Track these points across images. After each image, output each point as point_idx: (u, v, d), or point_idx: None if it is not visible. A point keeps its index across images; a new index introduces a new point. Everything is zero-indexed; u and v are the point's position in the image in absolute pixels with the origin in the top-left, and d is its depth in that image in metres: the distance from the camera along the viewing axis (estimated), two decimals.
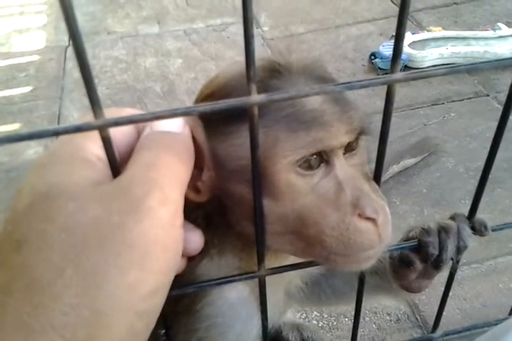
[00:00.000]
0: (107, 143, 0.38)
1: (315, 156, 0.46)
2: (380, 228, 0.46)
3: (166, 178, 0.39)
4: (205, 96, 0.51)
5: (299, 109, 0.45)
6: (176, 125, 0.44)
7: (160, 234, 0.37)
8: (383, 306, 1.23)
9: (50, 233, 0.36)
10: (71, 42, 0.34)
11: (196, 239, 0.47)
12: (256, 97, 0.38)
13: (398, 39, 0.40)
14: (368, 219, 0.45)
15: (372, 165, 0.50)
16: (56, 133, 0.36)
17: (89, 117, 0.36)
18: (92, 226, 0.36)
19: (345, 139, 0.47)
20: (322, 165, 0.47)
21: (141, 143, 0.43)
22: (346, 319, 1.21)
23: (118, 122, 0.37)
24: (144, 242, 0.36)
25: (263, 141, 0.43)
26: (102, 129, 0.37)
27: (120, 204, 0.37)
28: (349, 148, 0.49)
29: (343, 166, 0.47)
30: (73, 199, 0.37)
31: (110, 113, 0.38)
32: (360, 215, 0.45)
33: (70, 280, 0.35)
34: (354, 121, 0.47)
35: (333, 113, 0.46)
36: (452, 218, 0.60)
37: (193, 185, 0.46)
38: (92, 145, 0.41)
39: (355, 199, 0.46)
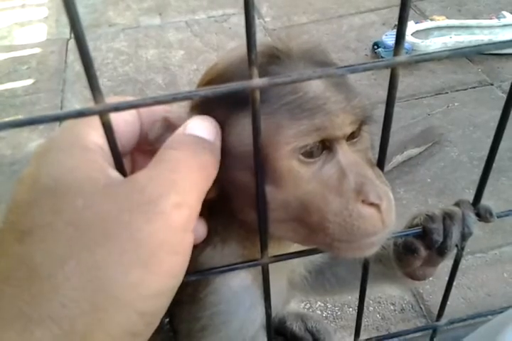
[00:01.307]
0: (107, 128, 0.38)
1: (317, 143, 0.46)
2: (384, 214, 0.45)
3: (186, 183, 0.39)
4: (206, 83, 0.50)
5: (301, 96, 0.45)
6: (210, 132, 0.44)
7: (169, 237, 0.37)
8: (387, 296, 1.23)
9: (56, 226, 0.36)
10: (72, 30, 0.33)
11: (199, 228, 0.46)
12: (258, 81, 0.38)
13: (401, 22, 0.39)
14: (372, 205, 0.45)
15: (376, 152, 0.50)
16: (57, 119, 0.36)
17: (90, 104, 0.36)
18: (100, 222, 0.36)
19: (348, 129, 0.47)
20: (324, 151, 0.47)
21: (170, 141, 0.42)
22: (350, 309, 1.21)
23: (119, 107, 0.36)
24: (152, 243, 0.36)
25: (265, 128, 0.42)
26: (103, 114, 0.37)
27: (132, 203, 0.36)
28: (352, 136, 0.48)
29: (345, 153, 0.47)
30: (82, 195, 0.36)
31: (111, 100, 0.38)
32: (363, 201, 0.45)
33: (72, 273, 0.34)
34: (358, 111, 0.47)
35: (336, 101, 0.45)
36: (457, 204, 0.60)
37: None
38: (94, 133, 0.41)
39: (358, 186, 0.45)
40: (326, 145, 0.47)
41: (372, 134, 0.52)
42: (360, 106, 0.47)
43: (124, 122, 0.45)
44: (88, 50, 0.35)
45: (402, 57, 0.40)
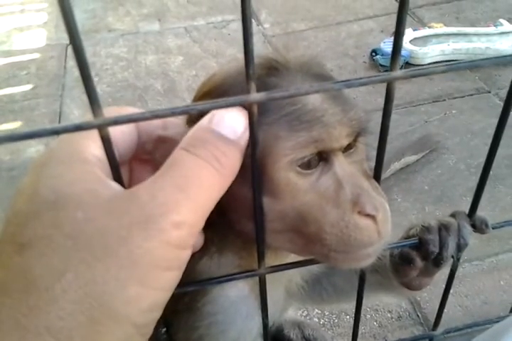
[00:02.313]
0: (106, 142, 0.38)
1: (314, 155, 0.46)
2: (380, 225, 0.46)
3: (192, 202, 0.38)
4: (203, 94, 0.51)
5: (300, 108, 0.45)
6: (236, 130, 0.40)
7: (167, 254, 0.37)
8: (384, 304, 1.23)
9: (55, 238, 0.36)
10: (70, 42, 0.34)
11: (197, 239, 0.47)
12: (255, 95, 0.38)
13: (397, 37, 0.40)
14: (368, 216, 0.45)
15: (373, 163, 0.50)
16: (55, 133, 0.36)
17: (89, 116, 0.36)
18: (99, 236, 0.36)
19: (345, 141, 0.47)
20: (321, 163, 0.47)
21: (189, 139, 0.40)
22: (348, 316, 1.21)
23: (117, 121, 0.37)
24: (149, 260, 0.36)
25: (263, 139, 0.43)
26: (102, 128, 0.37)
27: (132, 219, 0.36)
28: (348, 147, 0.49)
29: (342, 164, 0.47)
30: (82, 208, 0.37)
31: (110, 112, 0.38)
32: (359, 212, 0.45)
33: (69, 286, 0.35)
34: (355, 123, 0.47)
35: (334, 113, 0.46)
36: (453, 215, 0.60)
37: None
38: (92, 145, 0.41)
39: (354, 197, 0.46)
40: (323, 157, 0.47)
41: (368, 145, 0.52)
42: (357, 118, 0.47)
43: (121, 132, 0.45)
44: (87, 62, 0.35)
45: (398, 73, 0.40)
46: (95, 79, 2.14)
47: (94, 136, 0.38)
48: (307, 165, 0.46)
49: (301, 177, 0.46)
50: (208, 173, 0.39)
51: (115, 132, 0.40)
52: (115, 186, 0.39)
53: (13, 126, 1.93)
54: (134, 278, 0.36)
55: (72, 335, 0.34)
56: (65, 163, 0.40)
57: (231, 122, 0.41)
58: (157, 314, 0.39)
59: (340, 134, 0.46)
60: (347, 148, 0.49)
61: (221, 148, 0.40)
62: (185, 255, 0.39)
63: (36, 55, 2.34)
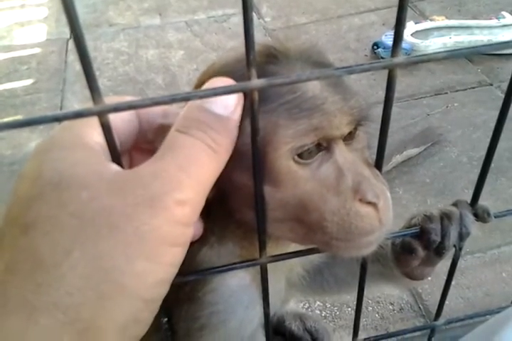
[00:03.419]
0: (106, 129, 0.38)
1: (315, 143, 0.46)
2: (381, 212, 0.46)
3: (193, 181, 0.39)
4: (203, 83, 0.51)
5: (300, 96, 0.45)
6: (227, 105, 0.41)
7: (172, 231, 0.38)
8: (386, 295, 1.23)
9: (60, 218, 0.36)
10: (71, 31, 0.34)
11: (196, 226, 0.47)
12: (256, 82, 0.38)
13: (399, 23, 0.39)
14: (369, 203, 0.45)
15: (374, 152, 0.50)
16: (56, 119, 0.36)
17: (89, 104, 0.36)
18: (105, 215, 0.36)
19: (346, 129, 0.47)
20: (322, 151, 0.47)
21: (182, 120, 0.41)
22: (349, 308, 1.22)
23: (117, 108, 0.37)
24: (155, 236, 0.37)
25: (263, 127, 0.43)
26: (101, 115, 0.37)
27: (136, 198, 0.37)
28: (349, 136, 0.49)
29: (342, 152, 0.47)
30: (87, 189, 0.37)
31: (110, 101, 0.38)
32: (360, 200, 0.45)
33: (76, 262, 0.35)
34: (355, 111, 0.47)
35: (334, 101, 0.46)
36: (455, 205, 0.60)
37: None
38: (93, 132, 0.41)
39: (355, 184, 0.46)
40: (324, 145, 0.47)
41: (369, 134, 0.52)
42: (357, 107, 0.47)
43: (121, 120, 0.45)
44: (87, 50, 0.35)
45: (400, 59, 0.40)
46: (96, 73, 2.13)
47: (95, 123, 0.38)
48: (308, 153, 0.46)
49: (302, 166, 0.46)
50: (205, 153, 0.40)
51: (115, 120, 0.41)
52: (117, 168, 0.40)
53: None
54: (141, 254, 0.36)
55: (81, 310, 0.35)
56: (67, 148, 0.40)
57: (222, 98, 0.41)
58: (164, 290, 0.40)
59: (340, 122, 0.46)
60: (348, 137, 0.48)
61: (214, 126, 0.40)
62: (189, 232, 0.40)
63: (37, 50, 2.34)
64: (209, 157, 0.40)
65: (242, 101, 0.42)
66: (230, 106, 0.41)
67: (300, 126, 0.44)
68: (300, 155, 0.45)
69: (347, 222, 0.45)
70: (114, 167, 0.40)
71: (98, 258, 0.35)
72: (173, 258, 0.39)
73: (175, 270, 0.40)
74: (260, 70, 0.39)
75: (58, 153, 0.40)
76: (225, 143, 0.41)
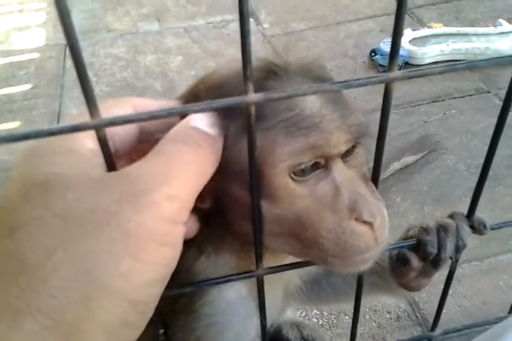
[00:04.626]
0: (103, 142, 0.38)
1: (312, 161, 0.46)
2: (377, 231, 0.46)
3: (181, 176, 0.39)
4: (198, 91, 0.50)
5: (297, 113, 0.45)
6: (214, 127, 0.44)
7: (159, 227, 0.37)
8: (383, 304, 1.22)
9: (45, 219, 0.36)
10: (67, 44, 0.34)
11: (191, 223, 0.47)
12: (253, 96, 0.38)
13: (396, 37, 0.40)
14: (365, 222, 0.45)
15: (371, 165, 0.50)
16: (51, 134, 0.36)
17: (83, 114, 0.36)
18: (89, 213, 0.36)
19: (343, 147, 0.47)
20: (320, 168, 0.47)
21: (172, 133, 0.42)
22: (346, 317, 1.21)
23: (114, 122, 0.37)
24: (141, 233, 0.36)
25: (261, 145, 0.43)
26: (98, 129, 0.37)
27: (122, 194, 0.36)
28: (347, 152, 0.49)
29: (340, 170, 0.47)
30: (72, 189, 0.37)
31: (107, 105, 0.40)
32: (357, 219, 0.45)
33: (60, 263, 0.34)
34: (353, 129, 0.47)
35: (332, 119, 0.45)
36: (451, 217, 0.60)
37: None
38: (85, 138, 0.41)
39: (352, 203, 0.46)
40: (321, 163, 0.47)
41: (367, 149, 0.52)
42: (356, 124, 0.47)
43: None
44: (84, 64, 0.35)
45: (396, 73, 0.40)
46: (94, 80, 2.14)
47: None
48: (305, 171, 0.46)
49: (299, 183, 0.46)
50: (191, 153, 0.41)
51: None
52: (105, 171, 0.40)
53: (12, 125, 1.92)
54: (126, 252, 0.35)
55: (65, 313, 0.34)
56: (55, 152, 0.40)
57: (208, 120, 0.44)
58: (154, 291, 0.38)
59: (338, 141, 0.46)
60: (346, 153, 0.48)
61: (202, 138, 0.42)
62: (179, 231, 0.39)
63: (35, 55, 2.34)
64: (197, 158, 0.41)
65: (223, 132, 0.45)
66: (215, 128, 0.44)
67: (297, 145, 0.44)
68: (297, 173, 0.45)
69: (342, 240, 0.45)
70: (102, 170, 0.40)
71: (82, 258, 0.35)
72: (161, 257, 0.37)
73: (166, 270, 0.39)
74: (259, 86, 0.40)
75: (46, 157, 0.40)
76: (210, 155, 0.42)
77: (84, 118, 0.36)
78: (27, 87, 2.13)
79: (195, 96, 0.49)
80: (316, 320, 1.22)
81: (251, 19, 2.45)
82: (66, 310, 0.34)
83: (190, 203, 0.40)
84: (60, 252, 0.34)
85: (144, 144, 0.48)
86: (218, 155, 0.44)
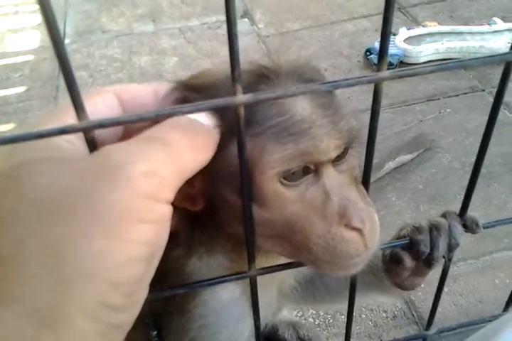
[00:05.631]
0: (90, 144, 0.38)
1: (302, 167, 0.46)
2: (367, 237, 0.46)
3: (161, 153, 0.37)
4: (188, 88, 0.49)
5: (288, 119, 0.44)
6: (209, 122, 0.43)
7: (136, 205, 0.35)
8: (379, 303, 1.23)
9: (20, 209, 0.35)
10: (52, 45, 0.34)
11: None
12: (242, 97, 0.38)
13: (384, 37, 0.40)
14: (354, 229, 0.45)
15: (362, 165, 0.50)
16: (40, 136, 0.36)
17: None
18: (63, 196, 0.35)
19: (333, 154, 0.47)
20: (310, 174, 0.47)
21: (163, 122, 0.40)
22: (343, 316, 1.21)
23: (102, 124, 0.37)
24: (116, 211, 0.34)
25: (250, 151, 0.43)
26: (86, 131, 0.37)
27: (96, 172, 0.35)
28: (338, 157, 0.48)
29: (330, 175, 0.47)
30: (46, 174, 0.36)
31: (88, 95, 0.41)
32: (346, 225, 0.45)
33: (31, 251, 0.34)
34: (344, 134, 0.46)
35: (322, 125, 0.45)
36: (443, 216, 0.60)
37: (186, 193, 0.46)
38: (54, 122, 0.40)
39: (342, 209, 0.46)
40: (311, 168, 0.46)
41: (358, 153, 0.52)
42: (346, 129, 0.47)
43: (107, 107, 0.45)
44: (70, 66, 0.35)
45: (385, 73, 0.40)
46: (89, 81, 2.14)
47: (65, 119, 0.39)
48: (294, 177, 0.46)
49: (289, 187, 0.46)
50: (184, 140, 0.39)
51: (101, 106, 0.43)
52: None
53: (6, 128, 1.92)
54: (100, 232, 0.34)
55: (41, 299, 0.33)
56: (31, 145, 0.38)
57: (203, 115, 0.43)
58: (136, 271, 0.36)
59: (327, 147, 0.45)
60: (337, 158, 0.48)
61: (196, 126, 0.42)
62: (162, 209, 0.37)
63: (30, 57, 2.33)
64: (189, 143, 0.39)
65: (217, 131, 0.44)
66: (211, 123, 0.44)
67: (287, 151, 0.44)
68: (287, 177, 0.45)
69: (332, 246, 0.45)
70: (77, 153, 0.39)
71: (53, 242, 0.34)
72: (140, 235, 0.35)
73: (147, 249, 0.36)
74: (251, 90, 0.39)
75: (21, 151, 0.39)
76: (204, 141, 0.41)
77: (68, 113, 0.35)
78: (22, 89, 2.13)
79: (188, 88, 0.49)
80: (312, 320, 1.22)
81: (246, 19, 2.46)
82: (42, 297, 0.33)
83: (173, 181, 0.38)
84: (31, 240, 0.34)
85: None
86: (214, 142, 0.42)
